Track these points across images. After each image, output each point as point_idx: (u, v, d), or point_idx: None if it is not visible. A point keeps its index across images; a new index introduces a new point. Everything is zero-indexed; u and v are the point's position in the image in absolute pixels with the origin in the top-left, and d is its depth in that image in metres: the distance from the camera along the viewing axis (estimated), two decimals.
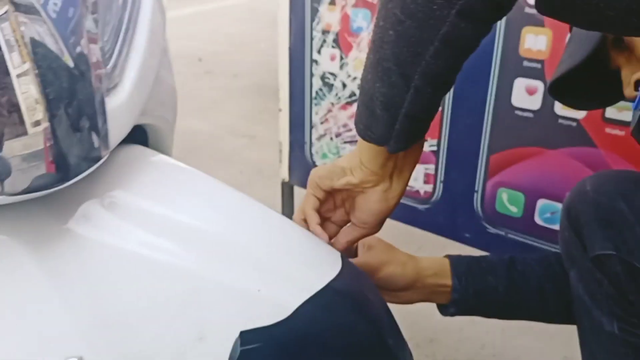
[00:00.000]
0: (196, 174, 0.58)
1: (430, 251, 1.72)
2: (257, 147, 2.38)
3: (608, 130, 1.05)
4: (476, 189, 1.27)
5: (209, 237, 0.51)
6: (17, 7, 0.39)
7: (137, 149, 0.56)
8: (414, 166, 0.64)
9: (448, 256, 0.81)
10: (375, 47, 0.52)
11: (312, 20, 1.39)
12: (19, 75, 0.40)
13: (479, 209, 1.29)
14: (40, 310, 0.44)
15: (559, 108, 1.10)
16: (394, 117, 0.53)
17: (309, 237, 0.59)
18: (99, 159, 0.42)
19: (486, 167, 1.24)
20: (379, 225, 0.67)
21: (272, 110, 1.64)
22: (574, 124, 1.08)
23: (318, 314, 0.51)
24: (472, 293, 0.77)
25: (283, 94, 1.51)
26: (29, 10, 0.39)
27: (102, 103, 0.42)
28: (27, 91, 0.40)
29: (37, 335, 0.43)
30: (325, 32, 1.39)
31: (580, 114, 1.07)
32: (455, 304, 0.78)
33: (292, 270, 0.53)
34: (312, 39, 1.41)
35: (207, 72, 3.39)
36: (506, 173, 1.22)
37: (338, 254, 0.59)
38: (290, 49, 1.45)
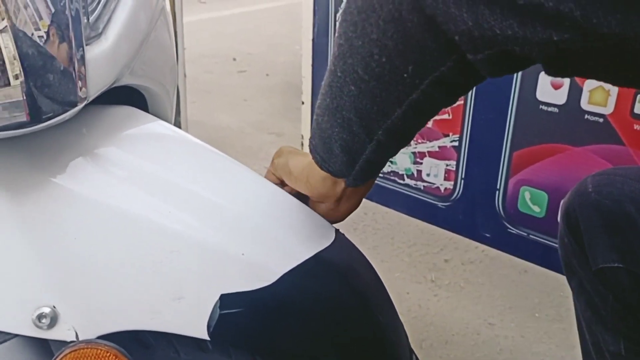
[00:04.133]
0: (191, 140, 0.58)
1: (452, 254, 1.68)
2: (283, 144, 2.38)
3: (637, 126, 1.00)
4: (498, 187, 1.23)
5: (197, 200, 0.50)
6: None
7: (131, 110, 0.56)
8: (366, 193, 0.57)
9: None
10: (332, 93, 0.45)
11: (336, 11, 1.38)
12: (0, 31, 0.40)
13: (501, 208, 1.24)
14: (13, 258, 0.44)
15: (585, 103, 1.05)
16: (354, 160, 0.48)
17: (303, 210, 0.57)
18: (75, 104, 0.41)
19: (509, 164, 1.20)
20: None
21: (301, 108, 1.65)
22: (601, 119, 1.04)
23: (303, 282, 0.50)
24: None
25: (306, 87, 1.50)
26: None
27: (82, 51, 0.42)
28: (7, 47, 0.40)
29: (8, 283, 0.43)
30: None
31: (607, 109, 1.03)
32: None
33: (279, 237, 0.52)
34: (335, 30, 1.40)
35: (240, 72, 3.42)
36: (529, 171, 1.18)
37: (332, 228, 0.57)
38: (313, 40, 1.44)
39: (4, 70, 0.41)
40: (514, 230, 1.24)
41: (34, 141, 0.48)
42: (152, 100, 0.61)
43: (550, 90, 1.09)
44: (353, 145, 0.47)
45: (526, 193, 1.19)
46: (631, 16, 0.29)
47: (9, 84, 0.41)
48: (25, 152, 0.48)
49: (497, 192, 1.24)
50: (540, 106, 1.11)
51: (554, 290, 1.50)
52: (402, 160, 1.38)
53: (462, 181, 1.29)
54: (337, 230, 0.58)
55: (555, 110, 1.09)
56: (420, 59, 0.38)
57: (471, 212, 1.30)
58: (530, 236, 1.21)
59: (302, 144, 1.57)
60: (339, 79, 0.44)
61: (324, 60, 1.44)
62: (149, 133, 0.55)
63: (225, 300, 0.47)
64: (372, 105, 0.43)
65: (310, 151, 0.53)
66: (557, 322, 1.40)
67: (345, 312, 0.51)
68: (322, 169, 0.52)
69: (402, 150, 1.53)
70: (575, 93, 1.05)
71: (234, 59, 3.65)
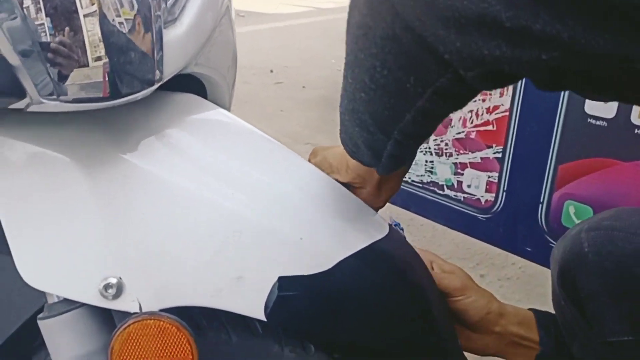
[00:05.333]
0: (250, 128, 0.59)
1: (488, 270, 1.65)
2: None
3: None
4: (541, 200, 1.22)
5: (257, 184, 0.51)
6: None
7: (196, 98, 0.58)
8: (404, 175, 0.59)
9: (532, 310, 0.70)
10: (347, 96, 0.47)
11: None
12: (86, 15, 0.42)
13: (543, 221, 1.23)
14: (84, 228, 0.45)
15: (636, 117, 1.03)
16: (378, 155, 0.49)
17: (359, 203, 0.58)
18: (152, 83, 0.43)
19: (553, 177, 1.18)
20: None
21: (337, 122, 1.65)
22: None
23: (358, 270, 0.50)
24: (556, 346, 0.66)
25: None
26: None
27: (160, 33, 0.43)
28: (92, 29, 0.42)
29: (78, 252, 0.44)
30: None
31: None
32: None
33: (336, 225, 0.52)
34: None
35: (277, 83, 3.47)
36: (575, 185, 1.16)
37: (386, 223, 0.58)
38: None
39: (84, 52, 0.43)
40: None
41: (106, 120, 0.50)
42: (212, 89, 0.63)
43: (600, 104, 1.08)
44: (374, 143, 0.48)
45: (571, 207, 1.17)
46: (619, 37, 0.29)
47: (87, 65, 0.43)
48: (98, 129, 0.49)
49: (540, 205, 1.22)
50: (589, 119, 1.09)
51: None
52: (442, 171, 1.37)
53: (504, 193, 1.27)
54: (390, 225, 0.58)
55: (604, 124, 1.08)
56: (420, 71, 0.39)
57: (512, 225, 1.28)
58: None
59: None
60: (351, 85, 0.45)
61: None
62: (211, 120, 0.57)
63: (283, 282, 0.47)
64: (382, 110, 0.44)
65: (341, 142, 0.54)
66: None
67: (400, 303, 0.51)
68: (353, 158, 0.53)
69: (443, 161, 1.51)
70: (625, 107, 1.04)
71: (271, 71, 3.70)
